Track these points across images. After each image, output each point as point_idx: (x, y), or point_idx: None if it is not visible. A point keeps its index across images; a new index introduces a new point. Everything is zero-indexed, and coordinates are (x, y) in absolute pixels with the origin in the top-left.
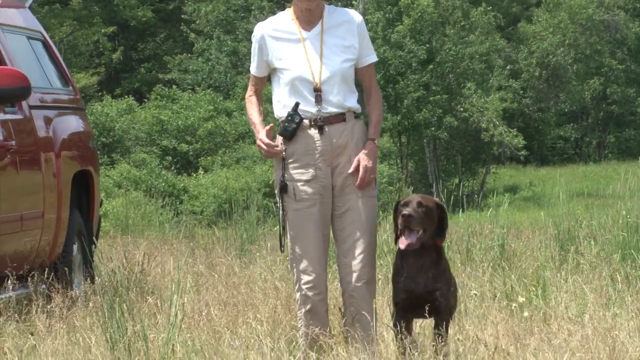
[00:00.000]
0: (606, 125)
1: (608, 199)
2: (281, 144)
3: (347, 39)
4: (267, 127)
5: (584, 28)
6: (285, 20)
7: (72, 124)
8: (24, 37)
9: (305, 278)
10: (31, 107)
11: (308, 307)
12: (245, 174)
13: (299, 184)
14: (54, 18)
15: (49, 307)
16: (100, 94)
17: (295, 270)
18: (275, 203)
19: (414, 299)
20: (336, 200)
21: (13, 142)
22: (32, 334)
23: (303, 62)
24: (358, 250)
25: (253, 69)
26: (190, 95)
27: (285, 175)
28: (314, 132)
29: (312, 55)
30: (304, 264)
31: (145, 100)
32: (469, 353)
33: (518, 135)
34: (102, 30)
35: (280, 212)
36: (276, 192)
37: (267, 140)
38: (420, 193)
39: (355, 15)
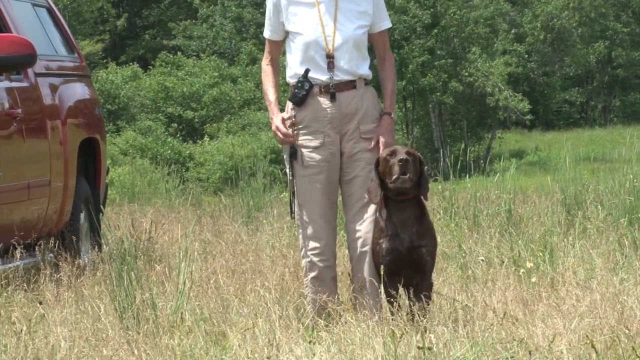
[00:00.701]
0: (611, 89)
1: (614, 163)
2: (291, 109)
3: (362, 5)
4: (285, 115)
5: None
6: None
7: (77, 91)
8: (29, 4)
9: (312, 244)
10: (37, 75)
11: (314, 274)
12: (251, 141)
13: (306, 150)
14: None
15: (57, 276)
16: (105, 61)
17: (301, 236)
18: (282, 169)
19: (400, 259)
20: (345, 166)
21: (19, 110)
22: (40, 303)
23: (317, 27)
24: (365, 216)
25: (267, 32)
26: (195, 61)
27: (295, 141)
28: (324, 99)
29: (326, 21)
30: (310, 230)
31: (150, 67)
32: (477, 319)
33: (523, 100)
34: None
35: (289, 178)
36: (285, 157)
37: (284, 130)
38: (426, 159)
39: None
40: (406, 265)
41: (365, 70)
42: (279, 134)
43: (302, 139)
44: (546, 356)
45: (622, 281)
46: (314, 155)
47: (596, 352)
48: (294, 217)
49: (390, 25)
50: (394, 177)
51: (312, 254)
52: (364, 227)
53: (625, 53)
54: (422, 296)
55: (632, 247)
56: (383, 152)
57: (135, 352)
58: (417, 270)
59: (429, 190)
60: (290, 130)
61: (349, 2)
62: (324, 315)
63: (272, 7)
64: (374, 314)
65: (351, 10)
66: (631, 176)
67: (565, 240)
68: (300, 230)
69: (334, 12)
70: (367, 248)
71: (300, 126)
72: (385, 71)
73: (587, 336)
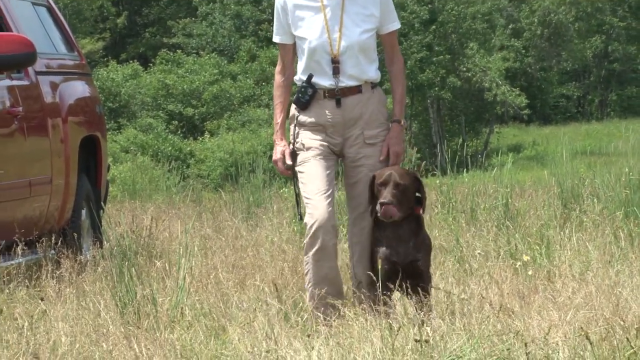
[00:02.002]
0: (608, 83)
1: (611, 156)
2: (295, 109)
3: (369, 8)
4: (287, 149)
5: None
6: None
7: (78, 89)
8: (29, 3)
9: (311, 218)
10: (37, 73)
11: (317, 246)
12: (250, 137)
13: (308, 138)
14: None
15: (58, 272)
16: (105, 59)
17: (307, 214)
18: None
19: (396, 268)
20: (348, 170)
21: (20, 109)
22: (42, 299)
23: (322, 32)
24: (365, 224)
25: (276, 37)
26: (195, 59)
27: (297, 145)
28: (328, 103)
29: (332, 25)
30: (311, 204)
31: (151, 64)
32: (474, 312)
33: (521, 95)
34: None
35: (295, 182)
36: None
37: (281, 167)
38: (424, 154)
39: None
40: (402, 272)
41: (372, 73)
42: (278, 166)
43: (305, 133)
44: (542, 348)
45: (617, 273)
46: (314, 142)
47: (591, 343)
48: (302, 219)
49: (399, 26)
50: (379, 211)
51: (313, 227)
52: (365, 234)
53: (621, 47)
54: (419, 289)
55: (627, 239)
56: (380, 175)
57: (136, 347)
58: (412, 277)
59: (424, 208)
60: (289, 162)
61: (355, 5)
62: (322, 309)
63: (280, 10)
64: (372, 308)
65: (357, 14)
66: (627, 169)
67: (562, 233)
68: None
69: (340, 15)
70: (366, 253)
71: (304, 126)
72: (394, 75)
73: (582, 328)
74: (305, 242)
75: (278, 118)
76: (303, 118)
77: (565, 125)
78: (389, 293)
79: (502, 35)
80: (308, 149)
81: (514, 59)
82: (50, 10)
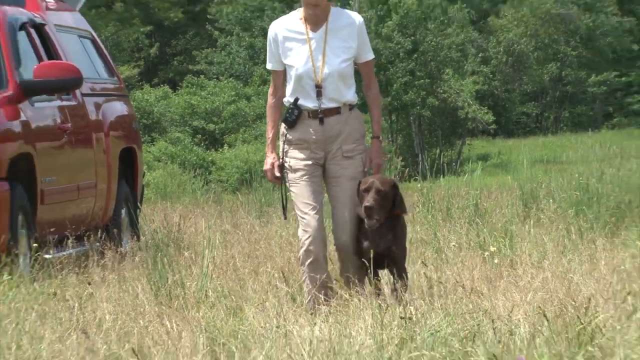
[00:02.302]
0: (562, 102)
1: (564, 164)
2: (284, 127)
3: (348, 42)
4: (276, 162)
5: (543, 21)
6: (295, 20)
7: (117, 108)
8: (76, 35)
9: (304, 234)
10: (83, 95)
11: (310, 259)
12: (262, 148)
13: (294, 160)
14: (100, 19)
15: (102, 261)
16: (140, 83)
17: (299, 230)
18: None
19: (376, 257)
20: (330, 180)
21: (69, 125)
22: (89, 284)
23: (308, 61)
24: (344, 215)
25: (269, 64)
26: (216, 83)
27: (286, 158)
28: (312, 122)
29: (316, 55)
30: (303, 222)
31: (178, 87)
32: (449, 293)
33: (488, 112)
34: (141, 30)
35: (282, 187)
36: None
37: (270, 177)
38: (407, 162)
39: (357, 18)
40: (380, 260)
41: (349, 97)
42: (268, 175)
43: (293, 151)
44: (506, 324)
45: (569, 262)
46: (301, 163)
47: (547, 320)
48: (286, 218)
49: (373, 56)
50: (363, 212)
51: (306, 242)
52: (347, 229)
53: (573, 72)
54: (394, 273)
55: (577, 233)
56: (364, 182)
57: (167, 323)
58: (391, 265)
59: (405, 206)
60: (277, 174)
61: (337, 39)
62: (323, 292)
63: (272, 41)
64: (363, 290)
65: (338, 47)
66: (577, 175)
67: (523, 228)
68: (299, 225)
69: (323, 47)
70: (346, 237)
71: (291, 145)
72: (371, 99)
73: (540, 307)
74: (300, 253)
75: (269, 134)
76: (290, 135)
77: (526, 138)
78: (377, 277)
79: (473, 63)
80: (296, 170)
81: (483, 82)
82: (93, 41)
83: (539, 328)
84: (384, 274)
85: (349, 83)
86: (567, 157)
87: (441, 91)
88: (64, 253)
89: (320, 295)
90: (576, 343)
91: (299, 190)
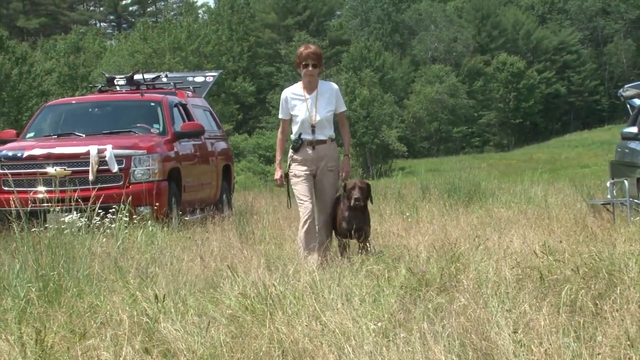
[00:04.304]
0: (439, 142)
1: (444, 172)
2: (292, 151)
3: (331, 100)
4: (282, 174)
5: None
6: (298, 87)
7: (221, 144)
8: (202, 109)
9: (303, 211)
10: (205, 138)
11: (305, 228)
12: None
13: (298, 170)
14: (214, 102)
15: (213, 221)
16: (233, 132)
17: (300, 210)
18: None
19: (351, 232)
20: (318, 184)
21: (198, 153)
22: (207, 232)
23: (306, 112)
24: (325, 207)
25: (281, 115)
26: (273, 131)
27: (292, 170)
28: (309, 148)
29: (311, 109)
30: (302, 206)
31: (252, 134)
32: (383, 238)
33: (404, 146)
34: (235, 106)
35: (287, 188)
36: (283, 177)
37: (278, 183)
38: (363, 173)
39: (334, 86)
40: (355, 233)
41: (331, 133)
42: (277, 182)
43: (297, 166)
44: (417, 254)
45: (445, 220)
46: (301, 172)
47: (435, 249)
48: (290, 207)
49: (345, 108)
50: (352, 202)
51: (304, 216)
52: (326, 213)
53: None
54: (364, 241)
55: (449, 206)
56: (349, 183)
57: (245, 252)
58: (360, 237)
59: (372, 198)
60: (284, 182)
61: (323, 99)
62: (312, 247)
63: (284, 100)
64: (338, 255)
65: (324, 103)
66: (448, 177)
67: (422, 203)
68: (299, 208)
69: (315, 103)
70: (323, 222)
71: (296, 162)
72: (344, 133)
73: (432, 244)
74: (300, 227)
75: (278, 157)
76: (295, 156)
77: (422, 159)
78: (345, 241)
79: (396, 122)
80: (298, 177)
81: (402, 131)
82: (210, 112)
83: (432, 254)
84: (353, 243)
85: (331, 125)
86: (444, 168)
87: (381, 135)
88: (196, 216)
89: (313, 254)
90: (450, 261)
91: (300, 188)
